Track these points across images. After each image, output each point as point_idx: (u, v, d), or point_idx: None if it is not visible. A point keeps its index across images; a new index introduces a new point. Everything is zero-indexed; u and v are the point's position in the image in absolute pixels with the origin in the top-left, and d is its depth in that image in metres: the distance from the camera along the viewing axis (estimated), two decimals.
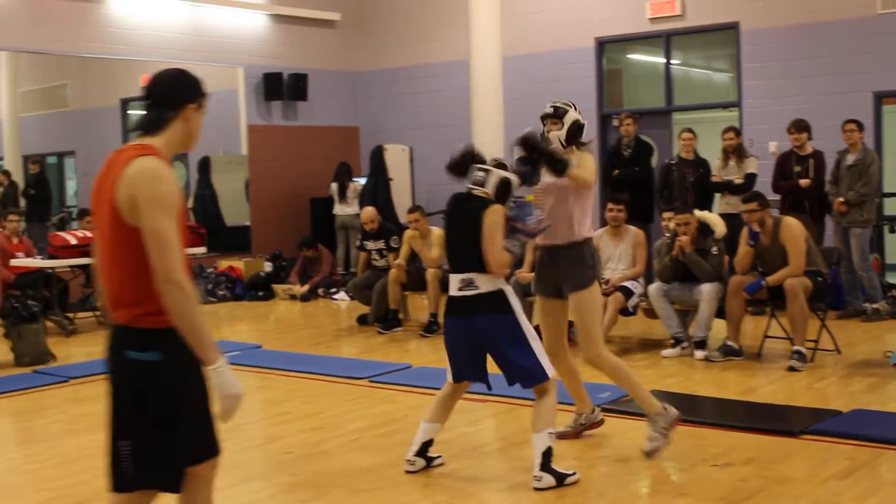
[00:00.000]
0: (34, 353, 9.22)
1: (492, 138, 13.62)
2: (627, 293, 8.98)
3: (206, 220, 14.67)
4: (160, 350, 3.26)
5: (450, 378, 5.64)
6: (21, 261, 11.00)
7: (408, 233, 10.60)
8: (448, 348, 5.58)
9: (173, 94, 3.49)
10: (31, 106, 15.48)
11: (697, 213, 8.96)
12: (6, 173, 14.30)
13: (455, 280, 5.44)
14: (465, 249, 5.41)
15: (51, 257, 11.04)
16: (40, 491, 5.46)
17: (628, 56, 14.88)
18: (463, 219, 5.53)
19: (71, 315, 11.55)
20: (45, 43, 13.32)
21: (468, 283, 5.37)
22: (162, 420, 3.30)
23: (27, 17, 13.02)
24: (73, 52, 13.70)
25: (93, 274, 3.45)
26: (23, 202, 14.09)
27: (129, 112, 16.64)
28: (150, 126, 3.43)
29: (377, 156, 14.94)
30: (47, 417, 7.35)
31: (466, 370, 5.56)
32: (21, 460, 6.14)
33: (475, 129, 13.74)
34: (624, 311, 9.02)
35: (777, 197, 10.79)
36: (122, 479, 3.36)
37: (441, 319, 10.20)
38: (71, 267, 11.44)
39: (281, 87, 15.49)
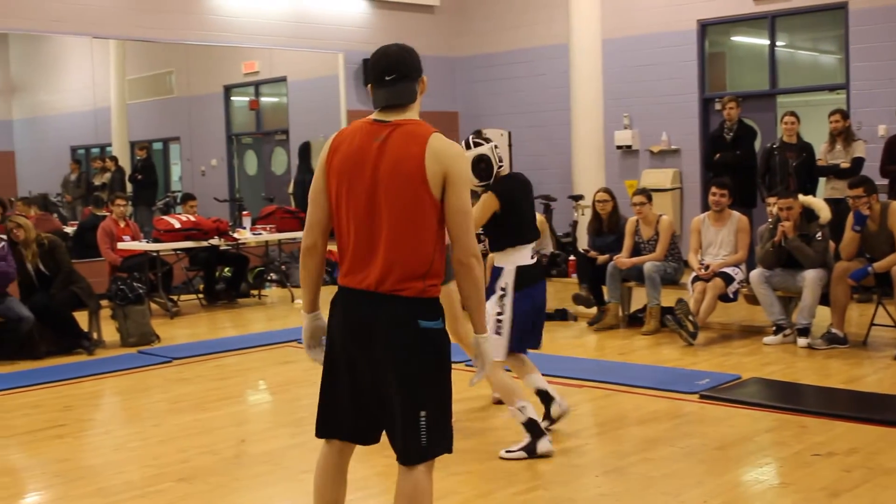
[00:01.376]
0: (139, 333, 9.45)
1: (591, 122, 13.54)
2: (728, 279, 8.83)
3: (305, 205, 14.82)
4: (442, 319, 3.46)
5: (505, 353, 5.73)
6: (127, 244, 11.27)
7: None
8: (525, 318, 5.73)
9: (415, 67, 3.54)
10: (138, 93, 15.83)
11: (802, 197, 8.76)
12: (114, 159, 14.66)
13: (528, 250, 5.77)
14: (532, 221, 5.92)
15: (156, 241, 11.29)
16: (145, 467, 5.59)
17: (732, 38, 14.60)
18: (527, 195, 5.98)
19: (175, 297, 11.81)
20: (151, 31, 13.59)
21: (535, 252, 5.89)
22: (447, 384, 3.48)
23: (134, 7, 13.30)
24: (178, 39, 13.96)
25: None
26: (129, 187, 14.43)
27: (231, 98, 16.93)
28: (405, 99, 3.51)
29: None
30: (151, 396, 7.52)
31: (527, 339, 5.85)
32: (127, 437, 6.29)
33: (574, 113, 13.66)
34: (724, 297, 8.88)
35: (885, 181, 10.50)
36: (419, 449, 3.41)
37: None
38: (175, 250, 11.68)
39: None
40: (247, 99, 16.94)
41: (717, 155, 11.51)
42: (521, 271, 5.68)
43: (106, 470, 5.60)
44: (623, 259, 9.38)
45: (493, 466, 5.38)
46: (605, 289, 9.57)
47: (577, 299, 9.85)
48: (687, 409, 6.55)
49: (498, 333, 5.66)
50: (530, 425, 5.56)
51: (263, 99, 16.90)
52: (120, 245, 11.28)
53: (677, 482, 5.05)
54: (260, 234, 12.48)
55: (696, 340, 8.50)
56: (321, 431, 3.62)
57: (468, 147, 5.70)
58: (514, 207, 5.73)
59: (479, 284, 3.45)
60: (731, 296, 8.90)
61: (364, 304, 3.43)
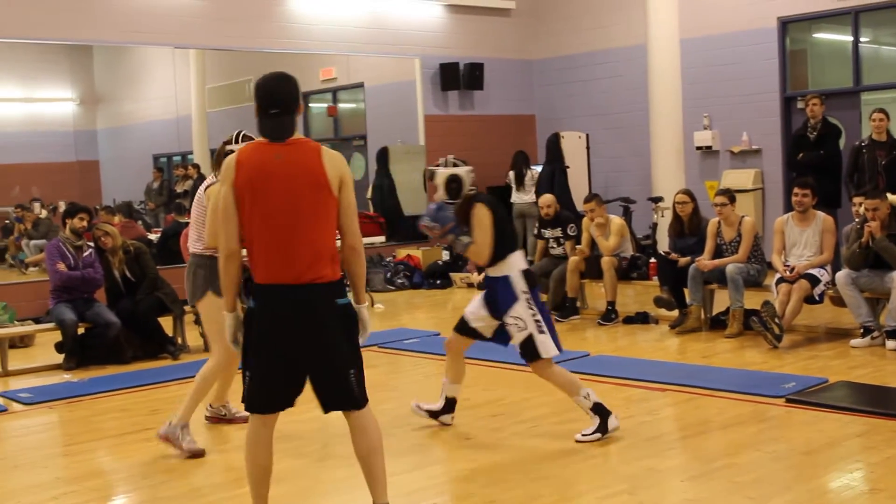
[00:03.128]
0: None
1: (670, 123, 13.42)
2: (813, 281, 8.67)
3: (384, 210, 14.93)
4: (346, 296, 4.19)
5: (555, 348, 6.02)
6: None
7: (585, 221, 10.51)
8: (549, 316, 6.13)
9: (295, 98, 4.24)
10: (218, 101, 16.05)
11: (890, 197, 8.57)
12: (195, 166, 14.88)
13: (521, 254, 6.07)
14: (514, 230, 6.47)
15: None
16: (231, 470, 5.67)
17: (813, 35, 14.35)
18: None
19: None
20: (231, 40, 13.79)
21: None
22: (358, 349, 4.23)
23: (213, 16, 13.50)
24: (258, 48, 14.12)
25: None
26: None
27: (309, 104, 17.08)
28: (287, 133, 4.18)
29: (554, 144, 14.86)
30: (235, 400, 7.56)
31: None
32: (213, 440, 6.36)
33: (652, 115, 13.56)
34: (809, 300, 8.72)
35: None
36: (354, 399, 4.23)
37: (619, 308, 10.15)
38: None
39: (457, 77, 15.59)
40: (325, 105, 17.08)
41: (801, 154, 11.30)
42: (525, 274, 5.98)
43: (193, 472, 5.68)
44: (705, 261, 9.26)
45: (577, 470, 5.35)
46: (686, 291, 9.46)
47: (659, 302, 9.76)
48: (772, 413, 6.45)
49: (542, 332, 5.92)
50: (597, 408, 5.91)
51: (341, 105, 17.02)
52: None
53: (764, 487, 4.97)
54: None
55: (781, 343, 8.36)
56: (255, 408, 4.26)
57: (446, 165, 6.16)
58: (502, 217, 6.05)
59: (363, 262, 4.28)
60: (817, 297, 8.74)
61: (289, 294, 4.07)
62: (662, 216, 12.58)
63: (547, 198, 11.16)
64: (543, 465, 5.47)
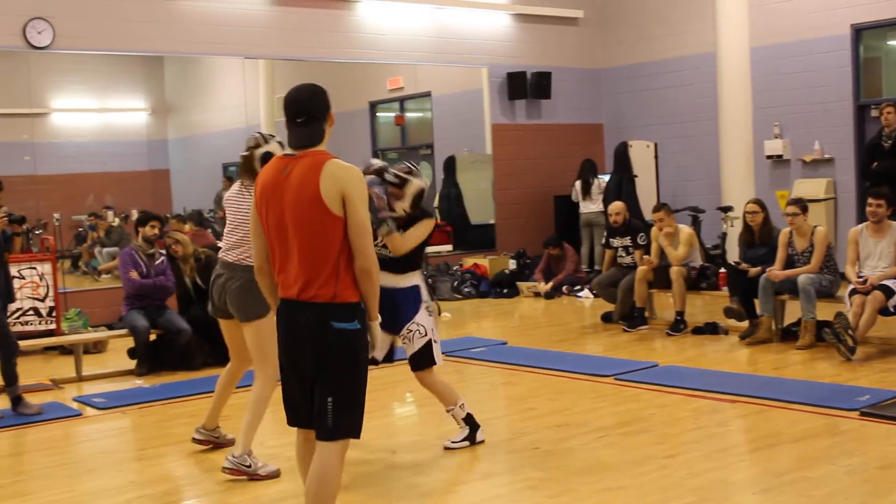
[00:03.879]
0: None
1: (740, 132, 13.28)
2: (888, 292, 8.49)
3: (451, 219, 14.95)
4: (359, 320, 4.00)
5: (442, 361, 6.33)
6: None
7: (654, 230, 10.43)
8: None
9: (324, 107, 4.11)
10: None
11: None
12: None
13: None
14: None
15: None
16: (299, 477, 5.68)
17: (888, 42, 14.10)
18: None
19: None
20: (300, 50, 13.91)
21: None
22: (358, 377, 4.02)
23: (282, 27, 13.64)
24: (325, 57, 14.24)
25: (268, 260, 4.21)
26: None
27: (377, 114, 17.18)
28: (314, 140, 4.06)
29: (621, 153, 14.78)
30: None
31: None
32: (280, 447, 6.38)
33: (722, 124, 13.43)
34: (884, 311, 8.54)
35: None
36: (326, 428, 3.98)
37: (688, 318, 10.04)
38: None
39: (524, 86, 15.57)
40: (392, 114, 17.16)
41: (875, 164, 11.11)
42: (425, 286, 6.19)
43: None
44: (776, 271, 9.14)
45: (646, 481, 5.30)
46: (757, 302, 9.34)
47: (729, 312, 9.65)
48: (846, 426, 6.33)
49: (436, 342, 6.14)
50: (469, 419, 6.23)
51: (408, 114, 17.09)
52: None
53: (838, 502, 4.88)
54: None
55: (855, 355, 8.21)
56: (289, 420, 4.20)
57: (409, 172, 6.04)
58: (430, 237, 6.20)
59: (377, 284, 4.03)
60: (892, 309, 8.55)
61: (292, 310, 4.02)
62: (732, 226, 12.44)
63: (616, 205, 11.09)
64: (611, 475, 5.43)
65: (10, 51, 11.86)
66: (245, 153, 5.77)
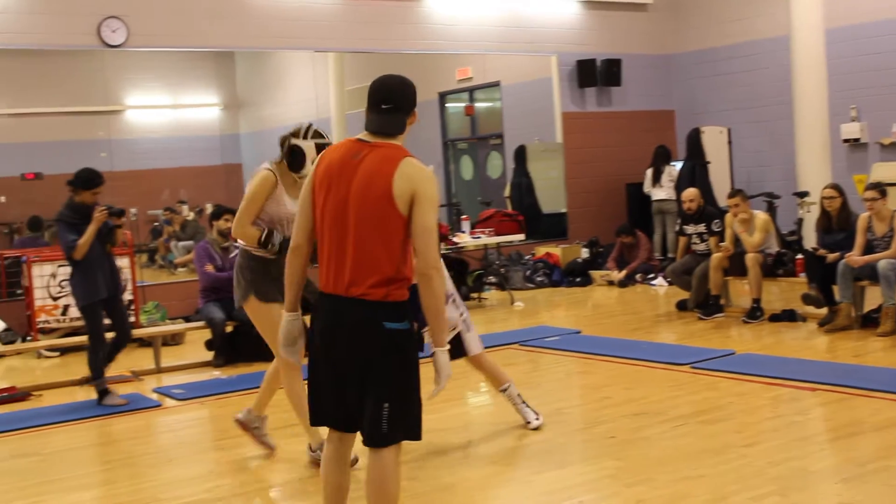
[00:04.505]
0: None
1: (816, 115, 13.05)
2: None
3: (522, 208, 14.90)
4: (409, 321, 3.80)
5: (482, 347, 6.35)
6: None
7: (728, 217, 10.30)
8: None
9: (411, 101, 3.96)
10: (356, 103, 16.24)
11: None
12: None
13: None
14: None
15: None
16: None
17: None
18: None
19: None
20: (370, 42, 13.96)
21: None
22: (411, 380, 3.84)
23: (353, 20, 13.69)
24: (394, 49, 14.26)
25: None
26: None
27: (446, 104, 17.19)
28: (395, 129, 3.89)
29: (694, 139, 14.62)
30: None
31: None
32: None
33: (797, 108, 13.21)
34: None
35: None
36: (380, 435, 3.77)
37: (764, 305, 9.91)
38: None
39: (594, 74, 15.46)
40: (462, 105, 17.15)
41: None
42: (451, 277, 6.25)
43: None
44: (855, 257, 8.98)
45: (725, 470, 5.23)
46: (835, 288, 9.19)
47: (807, 299, 9.50)
48: None
49: (469, 331, 6.14)
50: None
51: (478, 104, 17.07)
52: None
53: None
54: (479, 237, 12.62)
55: None
56: (313, 420, 3.99)
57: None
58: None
59: (439, 294, 3.77)
60: None
61: (337, 307, 3.78)
62: (808, 211, 12.25)
63: (690, 191, 10.97)
64: (690, 464, 5.38)
65: (86, 50, 12.07)
66: (286, 137, 5.55)
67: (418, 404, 3.88)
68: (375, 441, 3.78)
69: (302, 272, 3.97)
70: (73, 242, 7.42)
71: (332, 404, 3.87)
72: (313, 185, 3.88)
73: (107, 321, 7.72)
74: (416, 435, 3.88)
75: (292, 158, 5.47)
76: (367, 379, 3.76)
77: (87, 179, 7.54)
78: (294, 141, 5.47)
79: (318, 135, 5.52)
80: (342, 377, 3.80)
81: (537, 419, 6.31)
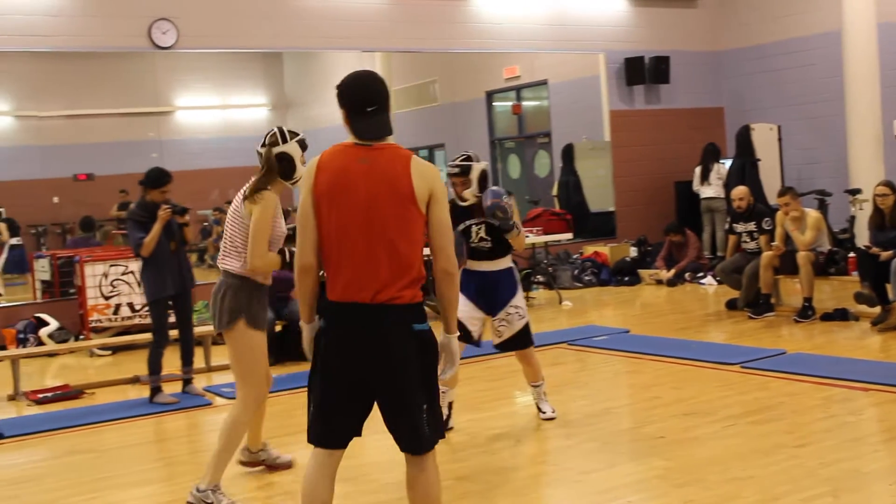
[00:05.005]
0: None
1: (868, 111, 12.90)
2: None
3: (570, 207, 14.86)
4: (426, 321, 3.74)
5: None
6: None
7: (779, 215, 10.20)
8: None
9: (388, 97, 3.84)
10: (404, 102, 16.30)
11: None
12: None
13: None
14: None
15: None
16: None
17: None
18: None
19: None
20: (417, 42, 13.98)
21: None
22: (436, 379, 3.76)
23: (401, 20, 13.72)
24: (441, 48, 14.27)
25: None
26: None
27: (493, 103, 17.17)
28: (385, 131, 3.78)
29: (744, 136, 14.49)
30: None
31: None
32: None
33: (848, 104, 13.07)
34: None
35: None
36: (422, 439, 3.71)
37: (816, 304, 9.80)
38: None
39: (642, 71, 15.38)
40: (509, 104, 17.14)
41: None
42: None
43: (388, 469, 5.76)
44: None
45: (776, 471, 5.19)
46: (889, 287, 9.07)
47: (859, 298, 9.38)
48: None
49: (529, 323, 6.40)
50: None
51: (525, 103, 17.05)
52: None
53: None
54: (527, 236, 12.56)
55: None
56: (315, 439, 3.81)
57: (468, 158, 6.23)
58: None
59: (457, 289, 3.82)
60: None
61: (362, 315, 3.65)
62: (861, 209, 12.10)
63: (740, 190, 10.88)
64: (740, 464, 5.33)
65: (137, 52, 12.19)
66: (267, 150, 5.18)
67: (440, 407, 3.87)
68: (421, 446, 3.71)
69: (315, 289, 3.82)
70: (140, 240, 7.64)
71: (344, 419, 3.76)
72: (315, 198, 3.72)
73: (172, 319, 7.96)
74: (443, 433, 3.87)
75: (285, 166, 5.17)
76: (400, 384, 3.66)
77: (156, 178, 7.75)
78: (278, 149, 5.14)
79: (293, 133, 5.25)
80: (362, 389, 3.70)
81: (553, 412, 6.59)
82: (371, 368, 3.66)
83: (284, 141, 5.17)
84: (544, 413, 6.56)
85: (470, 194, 6.17)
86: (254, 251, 5.04)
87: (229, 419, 5.19)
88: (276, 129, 5.23)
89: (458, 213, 6.13)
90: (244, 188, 5.22)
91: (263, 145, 5.20)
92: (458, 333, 3.95)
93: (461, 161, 6.21)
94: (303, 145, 5.23)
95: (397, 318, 3.66)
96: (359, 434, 3.82)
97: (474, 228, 6.24)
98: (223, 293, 5.17)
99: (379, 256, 3.64)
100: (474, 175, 6.16)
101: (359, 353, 3.66)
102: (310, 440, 3.83)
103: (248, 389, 5.18)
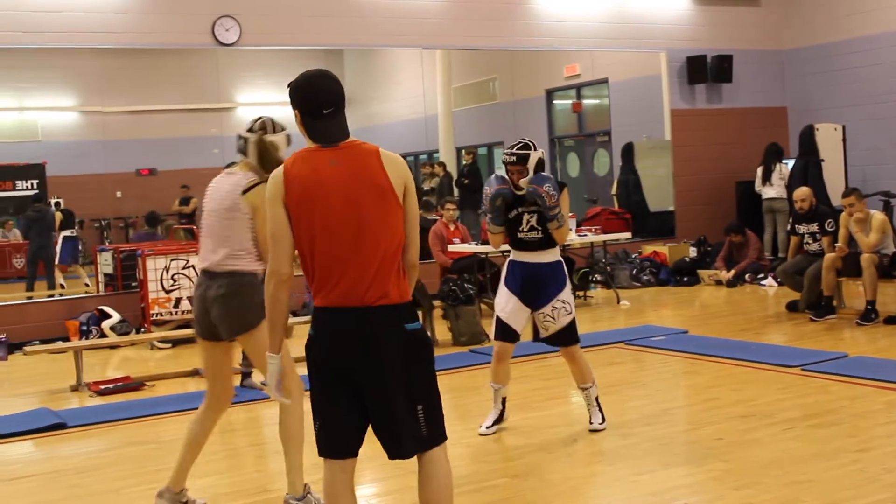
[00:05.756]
0: (470, 333, 9.74)
1: None
2: None
3: (629, 206, 14.78)
4: (419, 319, 3.71)
5: None
6: (457, 246, 11.64)
7: (843, 216, 10.05)
8: None
9: (344, 96, 3.76)
10: (463, 100, 16.32)
11: None
12: (442, 164, 15.18)
13: None
14: None
15: (484, 243, 11.56)
16: (480, 463, 5.75)
17: None
18: None
19: None
20: (478, 40, 13.97)
21: None
22: (434, 379, 3.72)
23: (462, 17, 13.71)
24: (501, 46, 14.25)
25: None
26: (456, 191, 14.89)
27: (553, 101, 17.12)
28: (344, 133, 3.70)
29: (807, 136, 14.29)
30: (482, 394, 7.68)
31: None
32: (461, 433, 6.47)
33: None
34: None
35: None
36: (421, 438, 3.66)
37: (879, 307, 9.65)
38: (504, 252, 11.91)
39: (704, 70, 15.24)
40: (569, 102, 17.08)
41: None
42: None
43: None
44: None
45: (836, 476, 5.11)
46: None
47: None
48: None
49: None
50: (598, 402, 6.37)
51: (585, 101, 16.98)
52: (450, 247, 11.66)
53: None
54: (585, 235, 12.54)
55: None
56: (329, 452, 3.70)
57: (525, 147, 6.10)
58: None
59: (415, 280, 3.79)
60: None
61: (353, 318, 3.55)
62: None
63: (802, 191, 10.74)
64: (799, 468, 5.27)
65: (200, 48, 12.33)
66: (256, 134, 4.95)
67: (441, 403, 3.76)
68: (419, 444, 3.65)
69: (287, 307, 3.76)
70: None
71: (350, 427, 3.66)
72: (287, 207, 3.58)
73: None
74: (445, 436, 3.74)
75: (273, 156, 4.92)
76: (394, 386, 3.57)
77: None
78: (269, 138, 4.95)
79: (280, 126, 5.02)
80: (359, 393, 3.61)
81: (602, 424, 6.30)
82: (364, 372, 3.57)
83: (273, 131, 4.98)
84: (592, 424, 6.28)
85: (526, 183, 6.02)
86: (262, 246, 4.83)
87: (284, 421, 5.06)
88: (264, 118, 5.03)
89: (513, 201, 6.08)
90: (230, 183, 4.94)
91: (250, 130, 4.99)
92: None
93: (518, 149, 6.07)
94: (288, 140, 5.00)
95: (388, 319, 3.57)
96: (360, 445, 3.72)
97: (525, 217, 6.11)
98: (240, 294, 4.88)
99: (365, 256, 3.55)
100: (531, 164, 6.03)
101: (349, 357, 3.57)
102: (320, 454, 3.73)
103: (286, 382, 4.88)
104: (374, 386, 3.58)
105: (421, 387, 3.64)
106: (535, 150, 6.10)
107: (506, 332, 6.23)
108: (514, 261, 6.26)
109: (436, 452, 3.69)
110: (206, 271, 4.96)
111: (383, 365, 3.55)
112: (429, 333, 9.58)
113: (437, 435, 3.69)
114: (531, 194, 5.95)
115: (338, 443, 3.68)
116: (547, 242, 6.14)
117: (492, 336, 6.40)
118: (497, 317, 6.25)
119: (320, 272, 3.59)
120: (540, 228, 6.11)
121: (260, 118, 5.04)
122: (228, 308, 4.87)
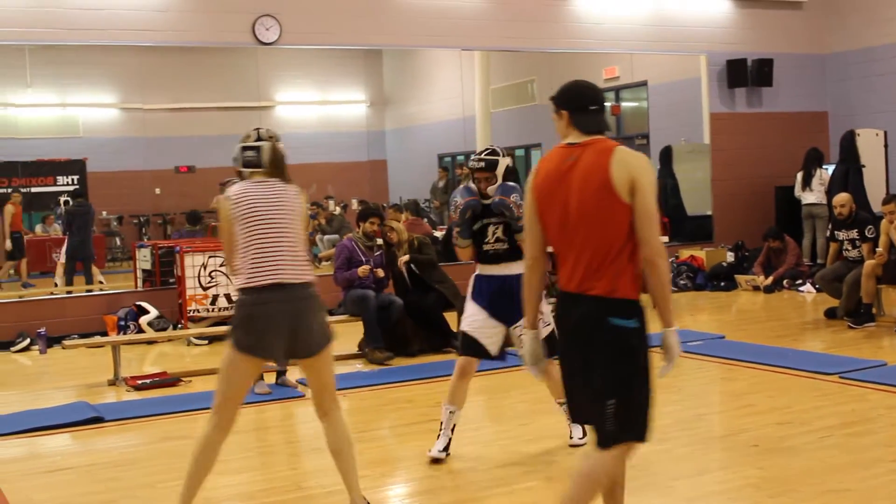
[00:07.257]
0: None
1: None
2: None
3: (667, 210, 14.71)
4: (638, 319, 3.79)
5: None
6: None
7: (884, 223, 9.95)
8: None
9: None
10: (501, 101, 16.30)
11: None
12: None
13: None
14: None
15: None
16: (512, 465, 5.73)
17: None
18: None
19: None
20: (517, 41, 13.94)
21: None
22: (637, 378, 3.80)
23: (501, 18, 13.69)
24: (540, 48, 14.22)
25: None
26: None
27: None
28: (604, 127, 3.96)
29: (848, 141, 14.15)
30: (514, 396, 7.68)
31: None
32: (495, 435, 6.48)
33: None
34: None
35: None
36: (603, 434, 3.78)
37: None
38: None
39: (745, 74, 15.12)
40: (608, 104, 17.00)
41: None
42: None
43: (476, 465, 5.78)
44: None
45: (873, 485, 5.07)
46: None
47: None
48: None
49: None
50: None
51: (624, 104, 16.91)
52: None
53: None
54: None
55: None
56: (574, 417, 4.27)
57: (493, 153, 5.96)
58: None
59: (665, 280, 3.77)
60: None
61: (567, 304, 3.84)
62: None
63: (842, 197, 10.65)
64: (835, 477, 5.22)
65: (240, 47, 12.40)
66: (274, 144, 5.02)
67: (645, 405, 3.83)
68: (599, 440, 3.82)
69: (542, 286, 4.08)
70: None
71: (580, 400, 3.91)
72: (535, 197, 3.94)
73: None
74: (640, 436, 3.87)
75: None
76: (585, 375, 3.80)
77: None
78: (279, 144, 5.06)
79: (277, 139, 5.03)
80: (577, 374, 3.86)
81: (581, 438, 5.92)
82: (574, 356, 3.85)
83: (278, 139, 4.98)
84: (572, 438, 6.03)
85: (493, 191, 5.84)
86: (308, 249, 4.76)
87: (345, 435, 5.01)
88: (261, 128, 5.05)
89: (480, 211, 5.90)
90: (287, 191, 5.00)
91: (258, 140, 4.99)
92: (676, 326, 3.94)
93: (487, 155, 5.91)
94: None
95: (590, 309, 3.76)
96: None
97: (491, 228, 5.89)
98: (321, 305, 4.92)
99: (581, 247, 3.76)
100: (500, 171, 5.86)
101: (567, 339, 3.89)
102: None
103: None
104: (577, 367, 3.85)
105: (616, 380, 3.76)
106: (504, 156, 5.94)
107: (470, 347, 5.92)
108: (480, 275, 5.98)
109: (603, 456, 3.84)
110: (281, 285, 4.73)
111: (583, 350, 3.80)
112: (454, 330, 9.68)
113: (620, 434, 3.82)
114: (497, 205, 5.79)
115: (574, 410, 4.09)
116: (514, 254, 5.83)
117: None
118: (462, 331, 5.98)
119: (559, 258, 3.91)
120: (506, 239, 5.89)
121: (257, 129, 5.03)
122: (319, 320, 4.85)
